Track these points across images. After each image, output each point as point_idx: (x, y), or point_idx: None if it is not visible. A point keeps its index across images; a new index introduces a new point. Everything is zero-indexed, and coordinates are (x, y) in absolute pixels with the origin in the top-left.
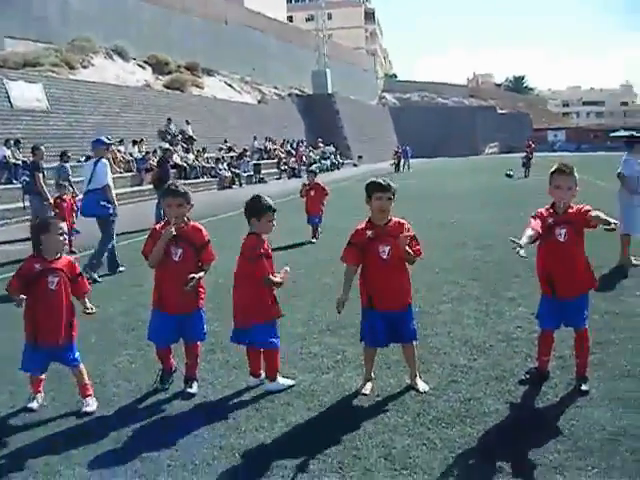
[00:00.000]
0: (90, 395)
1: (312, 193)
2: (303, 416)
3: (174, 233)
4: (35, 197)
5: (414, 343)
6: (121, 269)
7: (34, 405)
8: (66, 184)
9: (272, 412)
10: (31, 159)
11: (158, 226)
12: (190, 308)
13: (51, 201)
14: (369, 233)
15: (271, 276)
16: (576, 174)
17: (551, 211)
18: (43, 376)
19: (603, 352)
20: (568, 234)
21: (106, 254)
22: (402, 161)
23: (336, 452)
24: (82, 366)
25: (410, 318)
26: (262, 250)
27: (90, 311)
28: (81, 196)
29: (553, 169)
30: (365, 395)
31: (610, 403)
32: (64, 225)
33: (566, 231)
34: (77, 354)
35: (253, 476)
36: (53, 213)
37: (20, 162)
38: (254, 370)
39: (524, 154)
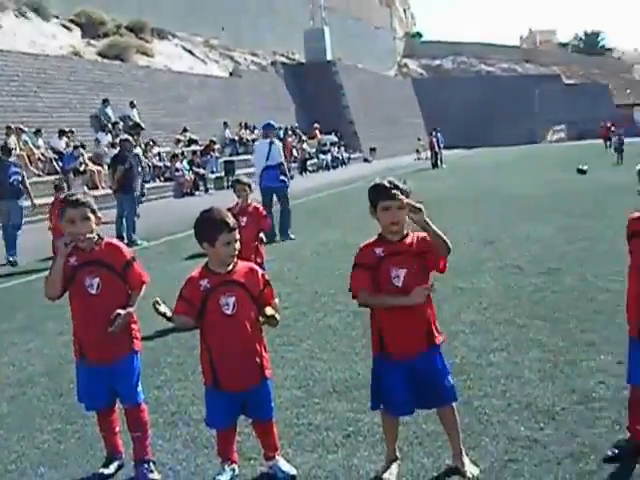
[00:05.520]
0: None
1: (243, 221)
2: None
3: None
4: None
5: (453, 405)
6: (292, 236)
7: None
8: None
9: None
10: None
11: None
12: (118, 354)
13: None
14: (378, 251)
15: None
16: None
17: None
18: None
19: None
20: None
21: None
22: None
23: None
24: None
25: (443, 368)
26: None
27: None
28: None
29: None
30: None
31: None
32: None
33: None
34: None
35: None
36: None
37: None
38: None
39: (616, 138)
